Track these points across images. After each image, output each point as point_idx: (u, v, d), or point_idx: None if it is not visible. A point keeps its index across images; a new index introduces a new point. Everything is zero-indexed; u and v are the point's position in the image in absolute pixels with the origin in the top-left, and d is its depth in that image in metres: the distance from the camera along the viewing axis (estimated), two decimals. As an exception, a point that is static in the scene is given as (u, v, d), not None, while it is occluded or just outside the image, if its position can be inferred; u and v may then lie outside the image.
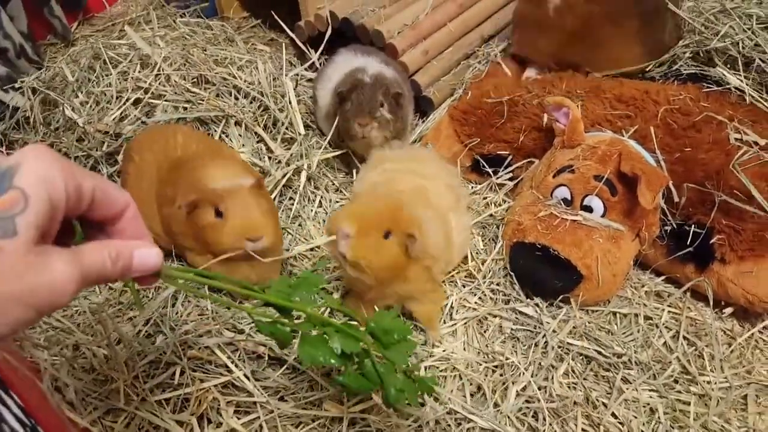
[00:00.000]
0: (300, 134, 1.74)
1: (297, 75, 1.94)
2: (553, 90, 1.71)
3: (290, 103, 1.78)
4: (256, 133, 1.74)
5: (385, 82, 1.66)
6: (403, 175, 1.47)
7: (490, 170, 1.74)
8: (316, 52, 2.08)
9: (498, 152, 1.75)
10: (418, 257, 1.24)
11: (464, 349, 1.39)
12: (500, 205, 1.71)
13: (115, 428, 1.15)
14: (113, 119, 1.68)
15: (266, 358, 1.31)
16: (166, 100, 1.71)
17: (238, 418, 1.19)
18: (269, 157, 1.72)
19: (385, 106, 1.64)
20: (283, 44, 2.01)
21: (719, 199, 1.42)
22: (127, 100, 1.71)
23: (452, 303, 1.47)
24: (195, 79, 1.77)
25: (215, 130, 1.73)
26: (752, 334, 1.42)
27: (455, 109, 1.84)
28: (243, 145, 1.73)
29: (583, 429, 1.23)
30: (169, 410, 1.19)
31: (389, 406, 0.98)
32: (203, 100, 1.73)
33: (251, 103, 1.78)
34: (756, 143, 1.45)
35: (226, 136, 1.73)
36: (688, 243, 1.46)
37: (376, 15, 2.01)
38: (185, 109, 1.72)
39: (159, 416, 1.17)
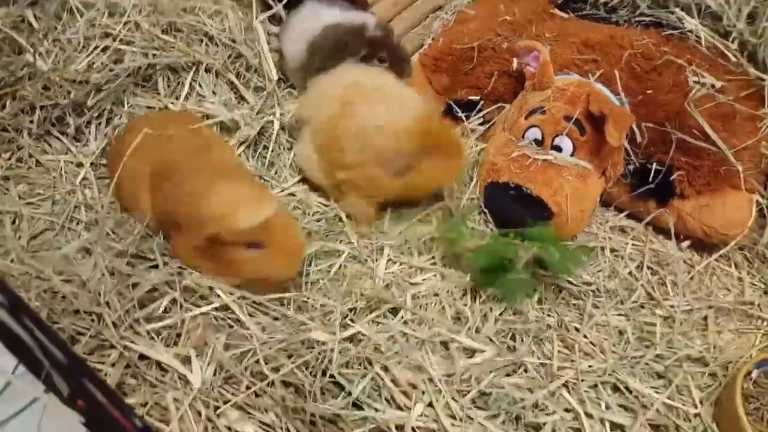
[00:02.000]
0: (272, 80, 1.74)
1: (265, 20, 1.93)
2: (522, 35, 1.77)
3: (262, 49, 1.78)
4: (229, 81, 1.74)
5: (387, 30, 1.69)
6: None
7: (462, 115, 1.79)
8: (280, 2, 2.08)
9: (470, 97, 1.80)
10: None
11: (443, 279, 1.44)
12: (473, 148, 1.76)
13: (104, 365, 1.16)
14: (81, 67, 1.64)
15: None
16: (134, 48, 1.68)
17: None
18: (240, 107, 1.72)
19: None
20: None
21: (677, 138, 1.51)
22: (95, 48, 1.67)
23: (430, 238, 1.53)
24: (165, 27, 1.74)
25: (185, 78, 1.71)
26: (709, 262, 1.53)
27: (426, 56, 1.88)
28: (214, 93, 1.72)
29: (558, 350, 1.31)
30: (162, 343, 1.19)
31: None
32: (173, 47, 1.70)
33: (223, 50, 1.77)
34: (713, 85, 1.54)
35: (198, 85, 1.72)
36: (650, 180, 1.55)
37: (343, -34, 2.01)
38: (154, 56, 1.69)
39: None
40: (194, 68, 1.72)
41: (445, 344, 1.26)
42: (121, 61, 1.67)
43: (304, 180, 1.65)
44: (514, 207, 1.51)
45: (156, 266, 1.29)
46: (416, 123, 1.40)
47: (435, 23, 2.07)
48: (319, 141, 1.53)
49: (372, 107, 1.46)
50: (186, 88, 1.70)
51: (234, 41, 1.77)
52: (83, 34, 1.66)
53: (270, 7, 2.04)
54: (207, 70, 1.73)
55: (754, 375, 1.23)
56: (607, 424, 1.18)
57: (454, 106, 1.81)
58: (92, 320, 1.17)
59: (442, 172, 1.47)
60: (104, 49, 1.68)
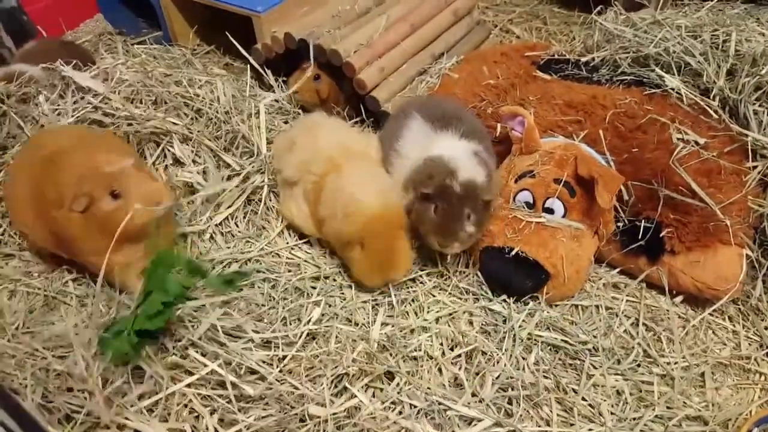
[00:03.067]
0: (263, 153, 1.78)
1: (268, 102, 1.99)
2: (506, 98, 1.81)
3: (260, 127, 1.83)
4: (213, 150, 1.78)
5: (476, 191, 1.48)
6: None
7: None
8: (273, 74, 2.14)
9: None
10: None
11: (437, 340, 1.45)
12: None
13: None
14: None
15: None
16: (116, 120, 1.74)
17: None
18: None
19: (471, 218, 1.49)
20: (248, 66, 2.05)
21: (665, 195, 1.53)
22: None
23: (423, 300, 1.55)
24: (154, 99, 1.79)
25: (168, 147, 1.76)
26: (704, 317, 1.53)
27: (414, 121, 1.91)
28: (194, 162, 1.76)
29: (557, 413, 1.30)
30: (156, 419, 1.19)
31: None
32: (153, 118, 1.75)
33: (207, 119, 1.83)
34: (696, 142, 1.57)
35: (169, 152, 1.77)
36: (639, 237, 1.57)
37: (331, 35, 2.07)
38: (129, 125, 1.73)
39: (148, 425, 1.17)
40: (177, 137, 1.76)
41: (442, 411, 1.25)
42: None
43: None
44: (511, 270, 1.53)
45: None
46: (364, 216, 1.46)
47: (420, 86, 2.11)
48: (307, 196, 1.63)
49: (351, 172, 1.56)
50: (168, 157, 1.75)
51: (218, 112, 1.82)
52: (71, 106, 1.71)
53: (260, 74, 2.11)
54: (188, 139, 1.77)
55: (754, 433, 1.23)
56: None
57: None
58: (85, 398, 1.17)
59: (369, 270, 1.50)
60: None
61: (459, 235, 1.48)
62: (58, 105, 1.73)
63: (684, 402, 1.35)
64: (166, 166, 1.73)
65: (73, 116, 1.71)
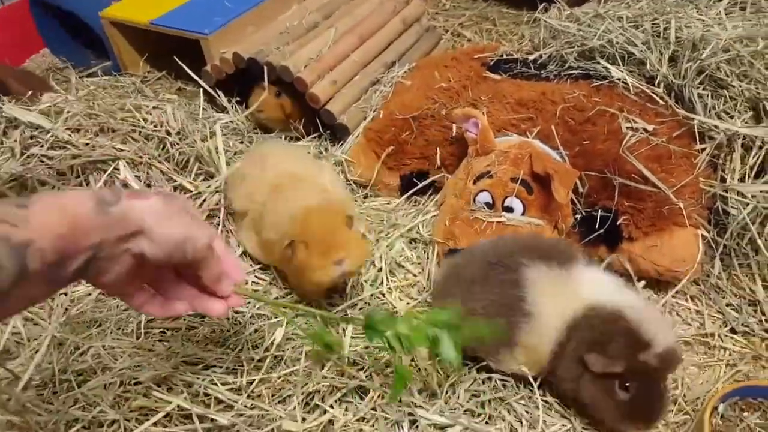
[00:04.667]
0: (222, 173, 1.77)
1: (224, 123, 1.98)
2: (459, 99, 1.83)
3: (218, 148, 1.81)
4: (164, 173, 1.77)
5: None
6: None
7: (421, 185, 1.86)
8: (225, 95, 2.13)
9: (419, 168, 1.85)
10: None
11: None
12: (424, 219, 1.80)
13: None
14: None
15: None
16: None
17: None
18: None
19: None
20: (200, 90, 2.04)
21: (619, 183, 1.56)
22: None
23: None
24: (100, 128, 1.77)
25: (115, 173, 1.73)
26: (666, 300, 1.56)
27: (370, 130, 1.92)
28: (148, 185, 1.75)
29: (527, 411, 1.31)
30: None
31: None
32: (99, 146, 1.72)
33: (161, 144, 1.81)
34: (645, 129, 1.60)
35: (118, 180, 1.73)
36: (597, 227, 1.59)
37: (280, 52, 2.07)
38: (75, 157, 1.70)
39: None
40: (125, 163, 1.73)
41: (414, 422, 1.25)
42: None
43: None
44: (476, 271, 1.52)
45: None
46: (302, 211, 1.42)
47: (374, 96, 2.12)
48: (254, 225, 1.62)
49: (295, 193, 1.52)
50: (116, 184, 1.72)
51: (170, 134, 1.81)
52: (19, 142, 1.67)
53: (212, 97, 2.10)
54: (137, 164, 1.75)
55: (720, 409, 1.24)
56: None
57: (408, 179, 1.86)
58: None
59: (317, 261, 1.39)
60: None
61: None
62: (2, 142, 1.70)
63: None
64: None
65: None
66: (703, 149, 1.61)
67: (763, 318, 1.51)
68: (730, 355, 1.45)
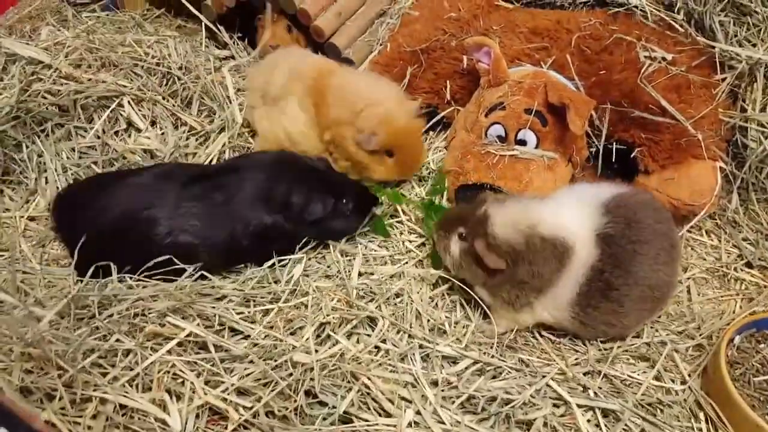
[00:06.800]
0: (236, 123, 1.74)
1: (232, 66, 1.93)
2: (469, 30, 1.76)
3: (230, 95, 1.77)
4: (169, 110, 1.72)
5: None
6: None
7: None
8: (227, 31, 2.07)
9: (428, 103, 1.80)
10: None
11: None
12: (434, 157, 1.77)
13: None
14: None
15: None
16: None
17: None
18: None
19: None
20: (201, 26, 1.98)
21: (635, 115, 1.51)
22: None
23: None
24: (101, 63, 1.72)
25: (121, 114, 1.68)
26: (682, 234, 1.53)
27: (376, 64, 1.87)
28: (153, 123, 1.71)
29: (542, 348, 1.31)
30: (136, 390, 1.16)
31: None
32: (102, 81, 1.67)
33: (164, 79, 1.76)
34: (664, 58, 1.55)
35: (122, 117, 1.70)
36: (613, 160, 1.56)
37: (283, -17, 2.00)
38: (78, 92, 1.64)
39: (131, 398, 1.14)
40: (128, 100, 1.69)
41: (426, 355, 1.24)
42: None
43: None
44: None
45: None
46: (405, 120, 1.57)
47: (381, 29, 2.05)
48: (308, 103, 1.63)
49: (353, 73, 1.69)
50: (121, 122, 1.69)
51: (171, 69, 1.76)
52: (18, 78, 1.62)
53: (212, 32, 2.04)
54: (141, 101, 1.71)
55: (736, 341, 1.24)
56: (598, 412, 1.17)
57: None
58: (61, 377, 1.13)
59: (394, 173, 1.61)
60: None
61: None
62: (2, 78, 1.65)
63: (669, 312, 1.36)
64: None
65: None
66: (724, 79, 1.56)
67: (780, 251, 1.49)
68: (746, 288, 1.44)
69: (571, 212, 1.24)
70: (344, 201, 1.42)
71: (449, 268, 1.34)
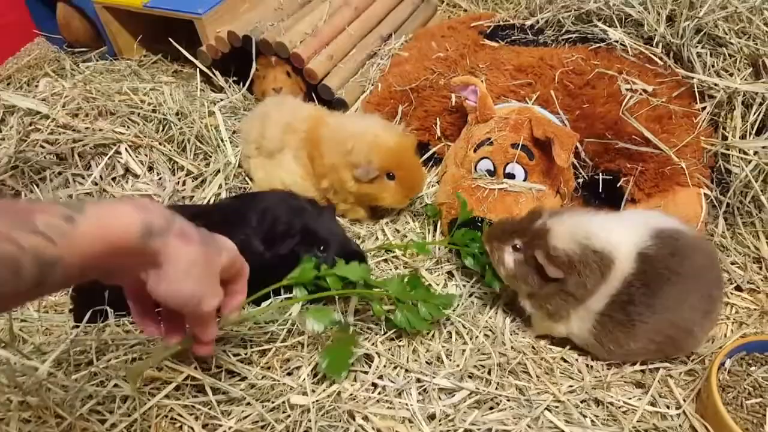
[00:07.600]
0: (231, 164, 1.78)
1: (223, 105, 1.99)
2: (457, 68, 1.82)
3: (220, 135, 1.83)
4: (166, 155, 1.76)
5: None
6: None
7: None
8: (223, 75, 2.13)
9: (419, 140, 1.84)
10: None
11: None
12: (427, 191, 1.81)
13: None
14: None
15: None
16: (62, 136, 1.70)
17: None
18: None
19: None
20: (197, 71, 2.04)
21: (620, 146, 1.55)
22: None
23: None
24: (98, 112, 1.77)
25: (116, 158, 1.73)
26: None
27: (368, 104, 1.92)
28: (150, 169, 1.75)
29: (537, 375, 1.32)
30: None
31: None
32: (99, 129, 1.72)
33: (160, 125, 1.81)
34: (645, 90, 1.59)
35: (119, 164, 1.74)
36: (599, 191, 1.59)
37: (275, 28, 2.06)
38: (75, 141, 1.70)
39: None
40: (126, 146, 1.74)
41: (423, 389, 1.26)
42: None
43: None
44: (479, 239, 1.52)
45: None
46: (394, 140, 1.60)
47: (372, 69, 2.11)
48: (303, 156, 1.69)
49: (340, 118, 1.72)
50: (118, 168, 1.73)
51: (167, 115, 1.81)
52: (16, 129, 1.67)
53: (209, 77, 2.09)
54: (138, 147, 1.75)
55: (727, 365, 1.25)
56: (596, 440, 1.18)
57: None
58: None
59: (401, 195, 1.66)
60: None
61: None
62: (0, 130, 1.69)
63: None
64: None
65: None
66: (704, 108, 1.60)
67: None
68: (737, 312, 1.46)
69: (620, 227, 1.27)
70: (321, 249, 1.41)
71: (501, 278, 1.37)
